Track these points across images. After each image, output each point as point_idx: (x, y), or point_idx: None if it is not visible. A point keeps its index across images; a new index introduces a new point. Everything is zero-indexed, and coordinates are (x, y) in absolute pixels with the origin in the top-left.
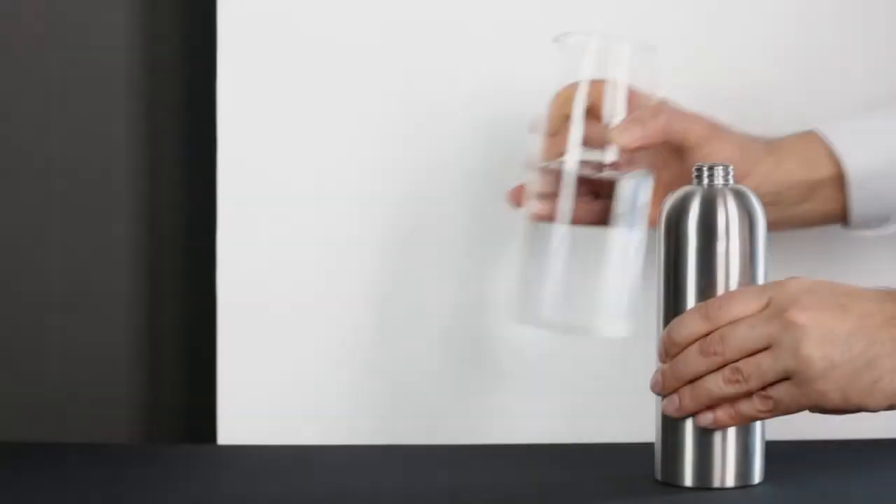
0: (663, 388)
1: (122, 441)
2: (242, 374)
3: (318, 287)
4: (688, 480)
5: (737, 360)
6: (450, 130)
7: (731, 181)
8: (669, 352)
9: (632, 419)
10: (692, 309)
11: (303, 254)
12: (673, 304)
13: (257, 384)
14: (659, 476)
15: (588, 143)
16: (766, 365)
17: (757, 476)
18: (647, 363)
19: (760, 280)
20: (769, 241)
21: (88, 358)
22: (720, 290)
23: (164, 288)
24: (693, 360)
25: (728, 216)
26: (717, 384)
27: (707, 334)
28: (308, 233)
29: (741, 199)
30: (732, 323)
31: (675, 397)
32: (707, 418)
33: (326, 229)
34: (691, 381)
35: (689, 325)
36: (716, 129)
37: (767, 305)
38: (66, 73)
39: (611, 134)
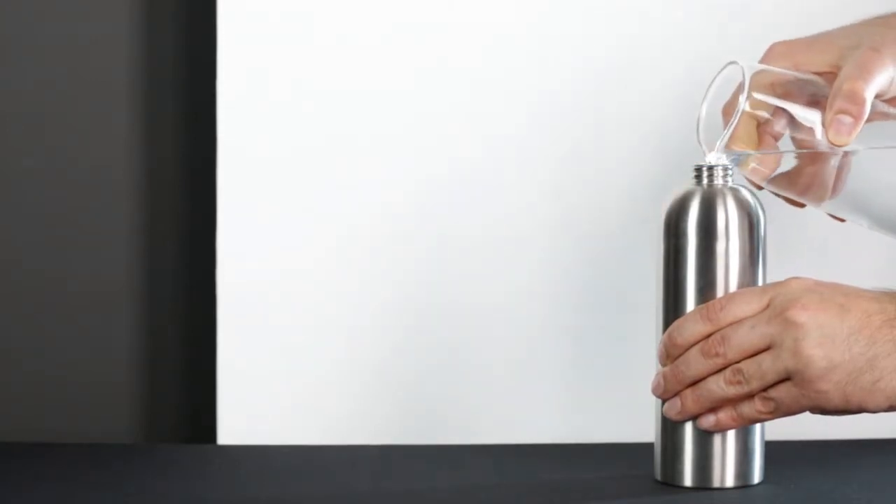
0: (665, 392)
1: (122, 441)
2: (242, 374)
3: (319, 287)
4: (687, 480)
5: (738, 362)
6: (452, 130)
7: (731, 181)
8: (671, 354)
9: (632, 419)
10: (693, 311)
11: (303, 254)
12: (673, 304)
13: (257, 384)
14: (659, 476)
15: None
16: (767, 365)
17: (756, 476)
18: (648, 363)
19: (760, 280)
20: (769, 240)
21: (88, 358)
22: (720, 289)
23: (164, 288)
24: (695, 362)
25: (728, 216)
26: (718, 385)
27: (708, 336)
28: (308, 233)
29: (741, 199)
30: (733, 324)
31: (676, 400)
32: (709, 421)
33: (327, 229)
34: (693, 384)
35: (691, 326)
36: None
37: (768, 306)
38: (66, 73)
39: (832, 140)
